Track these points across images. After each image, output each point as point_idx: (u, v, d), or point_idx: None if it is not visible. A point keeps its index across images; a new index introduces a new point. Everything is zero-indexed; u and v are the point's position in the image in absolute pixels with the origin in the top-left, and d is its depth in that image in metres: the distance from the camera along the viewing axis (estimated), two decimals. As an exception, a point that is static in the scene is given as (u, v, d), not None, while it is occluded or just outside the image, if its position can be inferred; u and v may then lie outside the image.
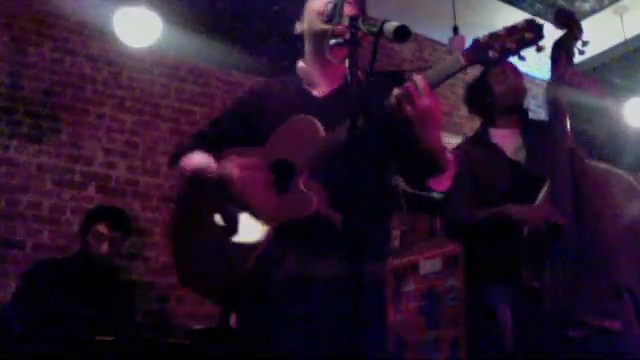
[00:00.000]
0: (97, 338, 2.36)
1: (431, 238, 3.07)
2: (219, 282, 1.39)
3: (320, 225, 1.28)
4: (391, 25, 1.15)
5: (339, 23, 1.32)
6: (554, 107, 1.94)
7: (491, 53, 1.21)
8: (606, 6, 4.72)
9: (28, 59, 3.63)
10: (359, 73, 1.19)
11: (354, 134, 1.11)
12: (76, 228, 3.21)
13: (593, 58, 5.03)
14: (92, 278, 2.84)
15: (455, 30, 4.14)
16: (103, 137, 3.72)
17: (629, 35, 4.90)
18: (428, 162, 1.34)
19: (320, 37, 1.45)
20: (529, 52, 1.23)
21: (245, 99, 1.63)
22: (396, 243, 3.37)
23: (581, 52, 1.97)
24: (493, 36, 1.22)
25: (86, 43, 3.82)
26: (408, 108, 1.23)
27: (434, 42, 5.16)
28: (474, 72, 2.07)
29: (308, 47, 1.55)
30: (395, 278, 3.01)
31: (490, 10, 4.64)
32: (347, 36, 1.26)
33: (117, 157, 3.73)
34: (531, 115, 2.34)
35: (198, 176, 1.38)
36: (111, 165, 3.69)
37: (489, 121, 2.27)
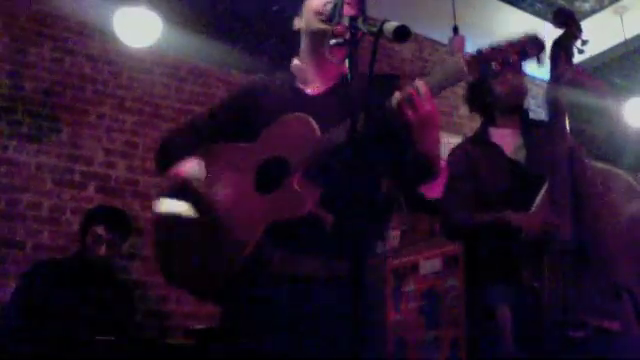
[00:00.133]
0: (97, 338, 2.36)
1: (431, 238, 3.07)
2: (205, 282, 1.38)
3: (309, 225, 1.27)
4: (391, 25, 1.15)
5: (339, 23, 1.32)
6: (554, 107, 1.94)
7: (493, 65, 1.23)
8: (606, 6, 4.71)
9: (28, 59, 3.63)
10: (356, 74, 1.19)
11: (353, 135, 1.11)
12: (76, 228, 3.20)
13: (593, 58, 5.02)
14: (92, 278, 2.84)
15: (455, 30, 4.13)
16: (103, 137, 3.72)
17: (629, 35, 4.90)
18: (423, 167, 1.35)
19: (317, 36, 1.45)
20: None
21: (242, 94, 1.63)
22: (396, 243, 3.37)
23: (580, 51, 1.97)
24: (495, 49, 1.23)
25: (86, 43, 3.82)
26: (409, 112, 1.24)
27: (434, 42, 5.15)
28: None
29: (304, 45, 1.54)
30: (395, 278, 3.01)
31: (490, 10, 4.64)
32: (347, 36, 1.26)
33: (117, 157, 3.73)
34: (531, 115, 2.33)
35: (186, 190, 1.40)
36: (111, 165, 3.69)
37: (490, 120, 2.27)
